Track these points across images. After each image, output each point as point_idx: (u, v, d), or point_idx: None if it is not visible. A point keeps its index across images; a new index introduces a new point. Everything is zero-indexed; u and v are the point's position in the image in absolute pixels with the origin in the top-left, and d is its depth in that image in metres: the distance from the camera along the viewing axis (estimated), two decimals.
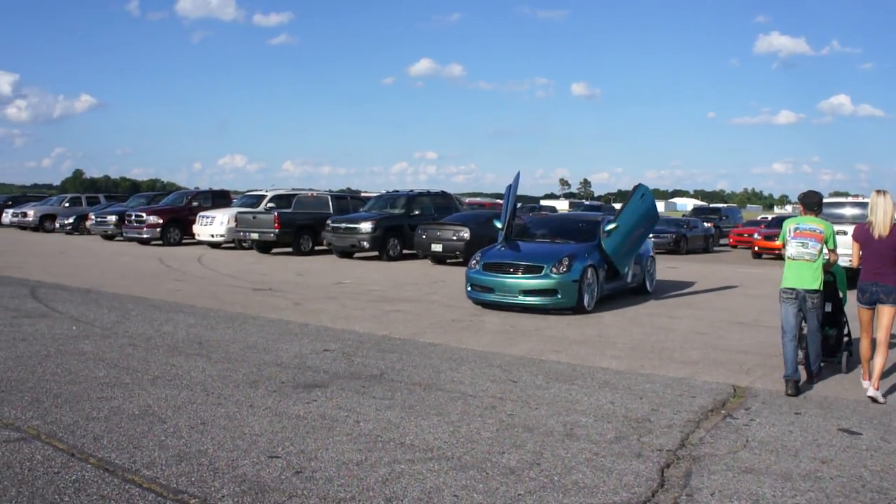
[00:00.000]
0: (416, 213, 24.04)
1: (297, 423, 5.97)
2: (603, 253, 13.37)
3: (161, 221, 28.44)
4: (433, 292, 15.12)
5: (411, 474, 4.91)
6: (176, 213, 29.07)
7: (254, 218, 24.55)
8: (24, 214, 39.37)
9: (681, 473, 5.07)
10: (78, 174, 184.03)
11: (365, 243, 22.34)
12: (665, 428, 6.08)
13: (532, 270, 12.40)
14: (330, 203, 25.96)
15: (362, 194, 33.60)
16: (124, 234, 29.54)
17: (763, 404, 6.88)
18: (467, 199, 39.99)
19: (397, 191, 25.85)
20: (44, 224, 38.35)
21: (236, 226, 25.03)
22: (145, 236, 28.45)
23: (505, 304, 12.61)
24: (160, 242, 28.35)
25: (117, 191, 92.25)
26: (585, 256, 12.78)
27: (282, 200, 27.30)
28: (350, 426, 5.93)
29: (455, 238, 21.19)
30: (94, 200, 41.07)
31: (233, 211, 26.40)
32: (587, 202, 60.78)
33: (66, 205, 40.11)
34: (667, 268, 21.64)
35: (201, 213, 27.36)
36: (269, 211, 25.35)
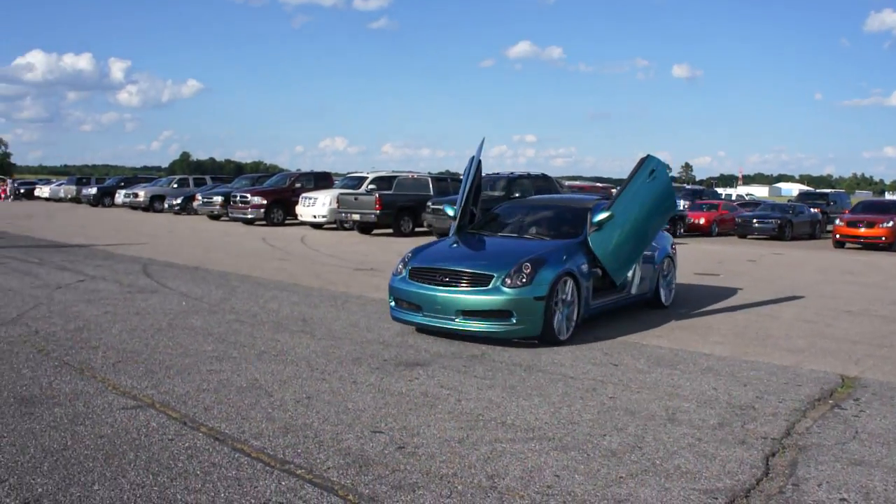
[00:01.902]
0: (516, 195, 23.96)
1: (399, 400, 6.06)
2: (591, 254, 9.30)
3: (265, 202, 29.10)
4: None
5: (512, 453, 4.94)
6: (279, 195, 29.68)
7: (355, 199, 24.93)
8: (136, 195, 40.88)
9: (786, 463, 4.97)
10: (185, 156, 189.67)
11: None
12: (770, 416, 5.96)
13: (477, 280, 8.34)
14: (430, 185, 26.12)
15: (461, 177, 33.69)
16: (229, 215, 30.35)
17: (874, 395, 6.67)
18: (568, 183, 39.69)
19: (497, 173, 25.81)
20: (153, 204, 39.75)
21: (338, 207, 25.43)
22: (250, 216, 29.17)
23: (437, 330, 8.65)
24: (264, 223, 29.01)
25: (222, 172, 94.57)
26: (561, 260, 8.76)
27: (383, 182, 27.56)
28: (452, 404, 6.00)
29: None
30: (200, 182, 42.29)
31: (335, 192, 26.78)
32: (688, 186, 59.53)
33: (175, 186, 41.48)
34: (772, 254, 21.12)
35: (304, 195, 27.84)
36: (370, 192, 25.63)
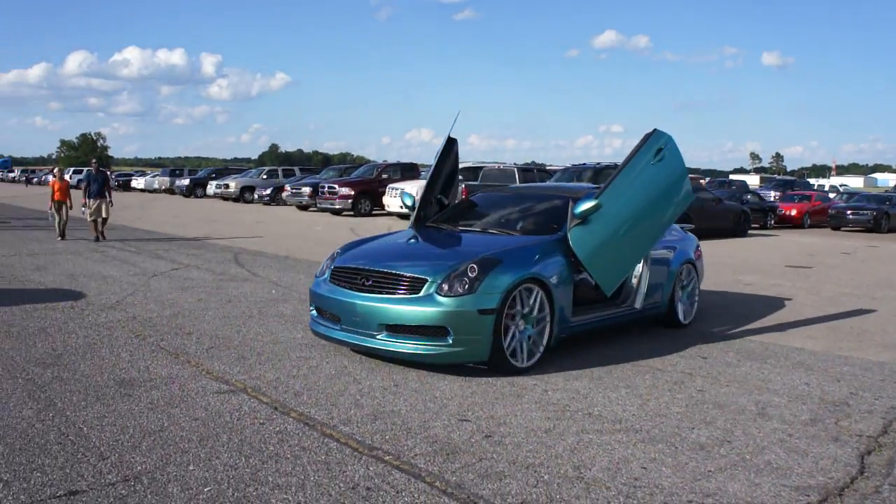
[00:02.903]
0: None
1: (486, 389, 6.09)
2: (571, 255, 7.30)
3: (353, 193, 29.48)
4: None
5: (599, 444, 4.93)
6: (366, 185, 30.04)
7: None
8: (227, 186, 41.85)
9: (883, 461, 4.83)
10: (274, 148, 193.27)
11: None
12: (865, 413, 5.81)
13: (407, 286, 6.61)
14: (516, 175, 26.07)
15: (547, 168, 33.52)
16: (318, 205, 30.87)
17: None
18: None
19: (584, 164, 25.64)
20: (244, 195, 40.63)
21: None
22: (337, 207, 29.60)
23: (360, 348, 6.93)
24: (351, 213, 29.39)
25: (310, 164, 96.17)
26: (525, 261, 6.88)
27: (468, 173, 27.61)
28: (538, 394, 6.00)
29: None
30: (289, 173, 43.11)
31: (421, 183, 26.87)
32: (779, 177, 57.85)
33: (264, 177, 42.38)
34: (867, 246, 20.53)
35: (390, 185, 28.10)
36: None
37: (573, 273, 7.37)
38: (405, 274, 6.69)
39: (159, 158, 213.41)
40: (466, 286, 6.42)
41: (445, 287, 6.45)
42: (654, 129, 7.83)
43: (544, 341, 6.93)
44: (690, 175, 25.58)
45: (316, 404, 5.56)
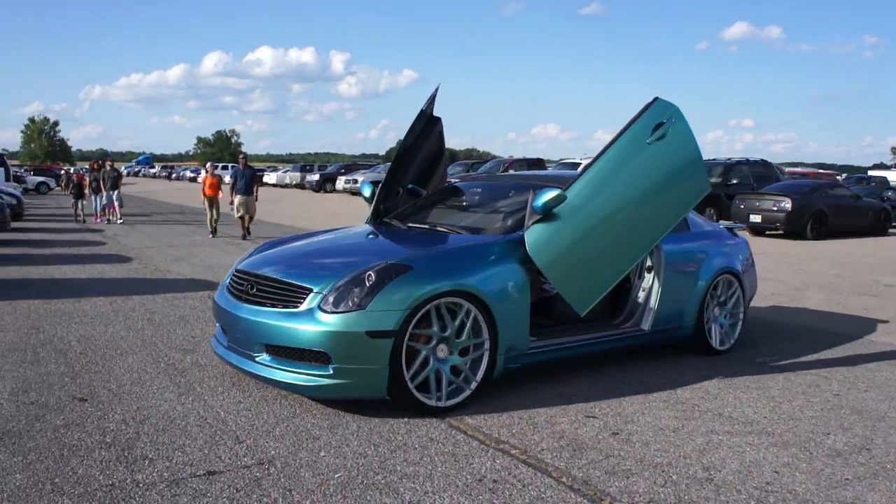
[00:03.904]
0: (734, 182, 23.23)
1: (614, 386, 6.04)
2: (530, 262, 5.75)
3: None
4: None
5: (729, 446, 4.82)
6: None
7: None
8: (355, 181, 42.63)
9: None
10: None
11: None
12: None
13: (290, 297, 5.37)
14: None
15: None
16: None
17: None
18: (788, 169, 37.93)
19: (714, 159, 25.07)
20: None
21: None
22: None
23: (243, 370, 5.60)
24: None
25: None
26: (446, 269, 5.45)
27: None
28: (667, 393, 5.91)
29: (775, 209, 20.24)
30: None
31: None
32: None
33: None
34: None
35: None
36: None
37: (541, 284, 6.15)
38: (289, 282, 5.46)
39: (290, 154, 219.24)
40: (355, 300, 5.07)
41: (331, 300, 5.12)
42: (655, 98, 6.20)
43: (479, 374, 5.45)
44: (824, 171, 24.51)
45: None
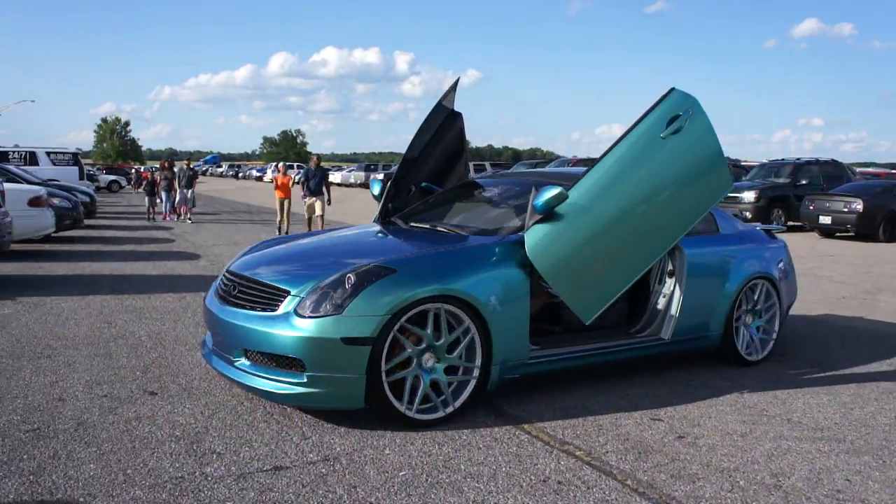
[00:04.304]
0: (803, 182, 22.79)
1: (680, 389, 5.97)
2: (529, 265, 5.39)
3: None
4: (821, 267, 14.25)
5: (798, 452, 4.73)
6: None
7: None
8: None
9: None
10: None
11: (747, 213, 21.62)
12: None
13: (269, 299, 5.10)
14: None
15: (742, 163, 32.41)
16: None
17: None
18: (859, 170, 37.06)
19: (782, 159, 24.64)
20: None
21: None
22: None
23: (223, 375, 5.34)
24: None
25: (500, 159, 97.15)
26: (434, 272, 5.09)
27: None
28: (734, 396, 5.82)
29: (846, 210, 19.79)
30: (480, 168, 43.83)
31: None
32: None
33: None
34: None
35: None
36: None
37: (547, 289, 5.71)
38: (269, 284, 5.20)
39: (354, 154, 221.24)
40: (333, 304, 4.78)
41: (307, 304, 4.85)
42: (672, 89, 5.80)
43: (459, 400, 5.09)
44: (893, 172, 23.72)
45: (508, 397, 5.61)
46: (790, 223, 22.06)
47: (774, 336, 7.08)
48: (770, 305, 7.06)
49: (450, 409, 5.03)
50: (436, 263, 5.24)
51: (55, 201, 15.42)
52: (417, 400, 4.93)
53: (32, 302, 8.94)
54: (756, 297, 6.94)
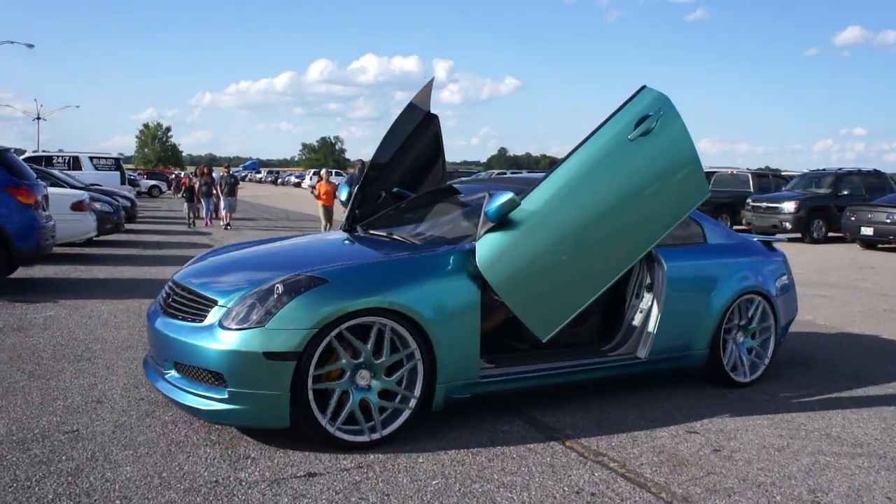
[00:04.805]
0: (845, 193, 22.50)
1: (716, 402, 5.91)
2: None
3: None
4: (862, 279, 14.04)
5: (837, 468, 4.66)
6: None
7: None
8: None
9: None
10: (502, 152, 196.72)
11: (787, 224, 21.44)
12: None
13: (198, 309, 4.85)
14: (750, 181, 25.23)
15: (782, 173, 32.08)
16: None
17: None
18: None
19: (823, 169, 24.37)
20: None
21: None
22: None
23: (159, 390, 5.14)
24: None
25: (538, 167, 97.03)
26: (371, 282, 4.75)
27: None
28: (771, 410, 5.75)
29: (889, 221, 19.52)
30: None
31: None
32: None
33: None
34: None
35: None
36: None
37: (479, 301, 5.04)
38: (200, 294, 4.95)
39: None
40: (257, 315, 4.49)
41: (233, 315, 4.57)
42: (642, 87, 5.35)
43: (402, 417, 4.78)
44: None
45: (543, 407, 5.59)
46: (831, 234, 21.82)
47: (767, 361, 6.55)
48: (765, 327, 6.55)
49: (376, 436, 4.66)
50: (373, 274, 4.91)
51: (97, 206, 15.65)
52: (342, 417, 4.59)
53: (73, 304, 9.06)
54: (750, 315, 6.46)
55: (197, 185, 24.51)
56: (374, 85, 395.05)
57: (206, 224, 24.01)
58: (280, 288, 4.58)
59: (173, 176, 56.10)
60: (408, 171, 6.93)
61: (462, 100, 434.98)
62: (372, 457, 4.52)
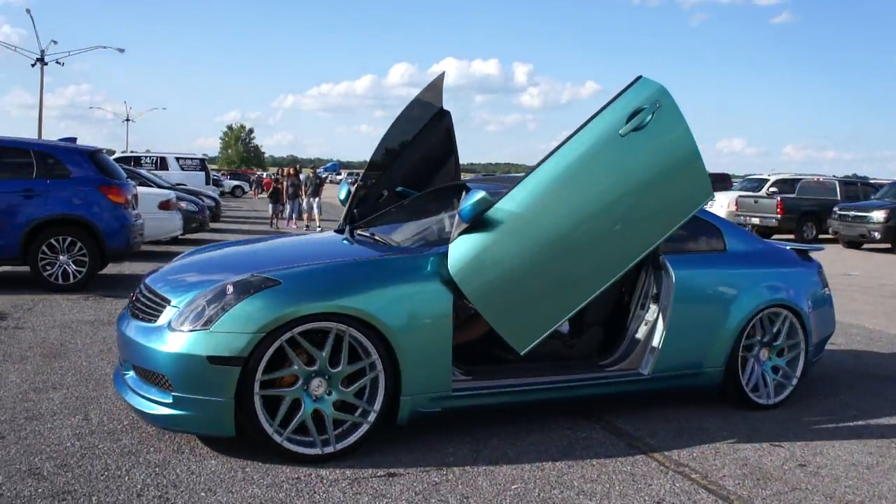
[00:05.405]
0: None
1: (800, 415, 5.77)
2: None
3: None
4: None
5: None
6: None
7: (755, 202, 24.25)
8: None
9: None
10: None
11: (876, 234, 20.84)
12: None
13: (154, 309, 4.65)
14: (837, 189, 24.61)
15: (871, 181, 31.19)
16: None
17: None
18: None
19: None
20: None
21: (736, 210, 24.74)
22: None
23: (119, 393, 5.06)
24: None
25: None
26: (328, 285, 4.47)
27: (784, 185, 26.25)
28: (859, 425, 5.60)
29: None
30: None
31: (733, 195, 26.04)
32: None
33: None
34: None
35: None
36: (771, 196, 24.62)
37: (449, 309, 4.66)
38: (157, 293, 4.76)
39: (471, 164, 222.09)
40: (205, 317, 4.27)
41: (182, 316, 4.37)
42: (638, 77, 4.89)
43: (359, 431, 4.50)
44: None
45: (623, 415, 5.53)
46: (789, 244, 21.17)
47: (794, 382, 5.97)
48: (794, 344, 5.96)
49: (329, 450, 4.38)
50: (333, 276, 4.58)
51: (183, 205, 16.06)
52: (291, 426, 4.33)
53: None
54: (775, 331, 5.88)
55: (283, 186, 24.80)
56: (453, 88, 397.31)
57: (288, 225, 24.33)
58: (230, 289, 4.35)
59: (255, 177, 57.06)
60: (415, 169, 6.53)
61: (542, 104, 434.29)
62: (452, 458, 4.54)
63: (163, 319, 4.46)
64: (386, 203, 6.43)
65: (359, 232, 5.95)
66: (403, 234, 5.70)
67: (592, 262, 4.80)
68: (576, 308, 4.81)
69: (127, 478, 4.07)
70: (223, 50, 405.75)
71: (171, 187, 18.12)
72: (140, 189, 12.61)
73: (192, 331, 4.25)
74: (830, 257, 19.03)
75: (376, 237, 5.69)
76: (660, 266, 5.48)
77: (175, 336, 4.29)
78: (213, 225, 20.23)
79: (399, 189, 6.49)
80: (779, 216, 23.11)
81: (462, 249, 4.59)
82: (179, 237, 16.13)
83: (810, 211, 23.61)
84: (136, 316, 4.75)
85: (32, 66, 42.37)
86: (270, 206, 25.05)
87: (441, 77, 6.25)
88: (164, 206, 14.31)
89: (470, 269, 4.57)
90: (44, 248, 9.76)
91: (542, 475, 4.37)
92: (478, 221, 4.59)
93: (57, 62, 43.83)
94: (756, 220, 23.74)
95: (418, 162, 6.51)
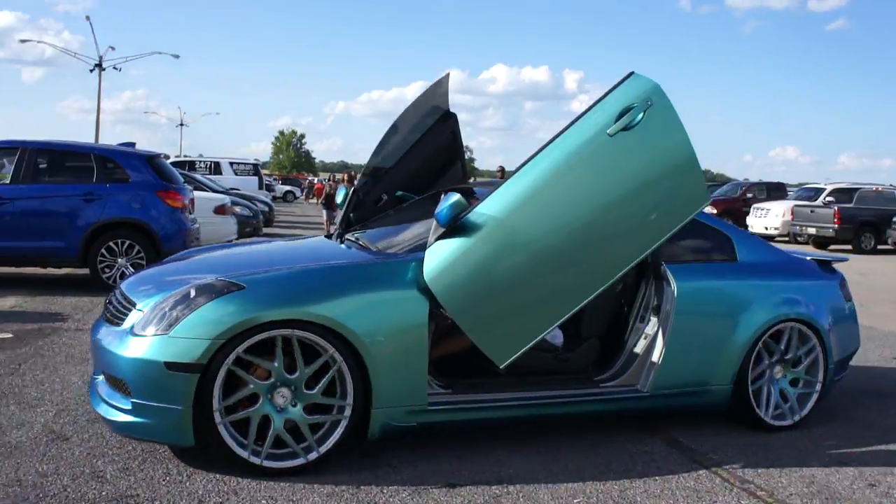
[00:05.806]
0: None
1: (869, 432, 5.61)
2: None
3: (715, 212, 28.71)
4: None
5: None
6: (730, 204, 29.10)
7: (812, 212, 23.84)
8: None
9: None
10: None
11: None
12: None
13: (122, 312, 4.48)
14: None
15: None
16: None
17: None
18: None
19: None
20: None
21: (792, 219, 24.38)
22: None
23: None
24: None
25: None
26: (295, 291, 4.30)
27: (842, 195, 25.80)
28: None
29: None
30: None
31: (789, 204, 25.67)
32: None
33: None
34: None
35: (755, 205, 27.20)
36: (828, 205, 24.20)
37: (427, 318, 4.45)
38: (127, 296, 4.60)
39: None
40: (167, 321, 4.12)
41: (145, 320, 4.22)
42: (630, 73, 4.64)
43: (339, 429, 4.33)
44: None
45: (685, 430, 5.42)
46: (810, 254, 20.66)
47: (810, 403, 5.58)
48: (815, 361, 5.56)
49: (313, 456, 4.25)
50: (299, 282, 4.39)
51: (237, 209, 16.22)
52: (267, 444, 4.19)
53: None
54: (790, 347, 5.51)
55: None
56: (503, 95, 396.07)
57: None
58: (192, 293, 4.20)
59: (307, 182, 57.52)
60: (417, 173, 6.24)
61: None
62: (513, 470, 4.49)
63: (128, 323, 4.33)
64: (385, 207, 6.21)
65: (347, 236, 5.74)
66: (388, 239, 5.37)
67: (578, 270, 4.53)
68: (560, 320, 4.54)
69: (188, 483, 4.09)
70: (275, 57, 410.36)
71: (225, 192, 18.32)
72: (195, 194, 12.75)
73: (153, 335, 4.11)
74: (889, 268, 18.70)
75: (360, 242, 5.44)
76: (661, 276, 5.19)
77: (136, 341, 4.16)
78: (266, 230, 20.41)
79: (399, 193, 6.23)
80: (836, 226, 22.68)
81: (438, 255, 4.38)
82: (234, 241, 16.28)
83: (868, 221, 23.15)
84: (107, 320, 4.60)
85: (91, 71, 43.23)
86: (325, 212, 24.98)
87: (446, 78, 5.89)
88: (220, 210, 14.47)
89: (445, 276, 4.34)
90: (103, 250, 9.93)
91: (604, 489, 4.30)
92: (456, 226, 4.39)
93: (114, 68, 44.67)
94: (812, 231, 23.38)
95: (421, 165, 6.23)
